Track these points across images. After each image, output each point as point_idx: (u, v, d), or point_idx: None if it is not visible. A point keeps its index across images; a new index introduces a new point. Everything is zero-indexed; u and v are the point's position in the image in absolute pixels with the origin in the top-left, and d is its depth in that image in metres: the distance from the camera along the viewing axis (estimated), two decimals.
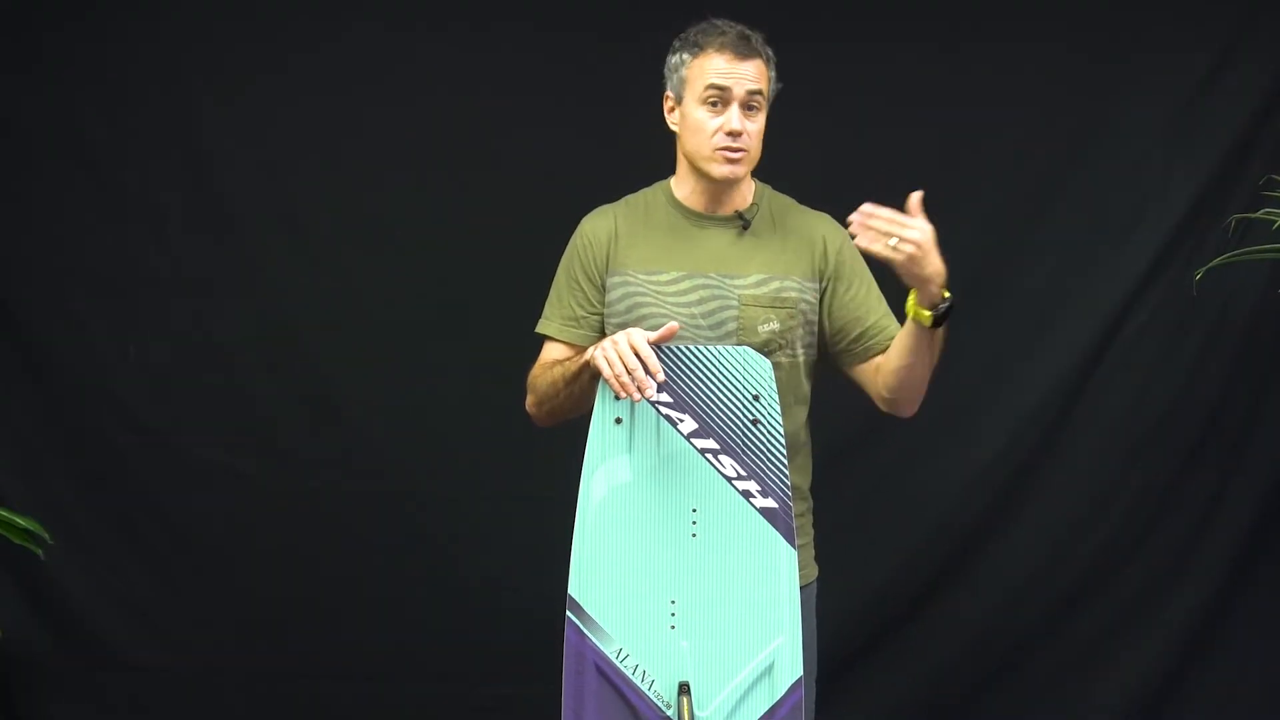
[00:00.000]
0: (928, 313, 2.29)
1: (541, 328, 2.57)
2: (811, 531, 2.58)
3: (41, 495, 3.68)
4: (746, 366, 2.31)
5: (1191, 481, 3.65)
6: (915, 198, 2.20)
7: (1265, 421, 3.62)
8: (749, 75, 2.39)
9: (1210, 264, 3.32)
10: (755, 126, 2.41)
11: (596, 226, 2.55)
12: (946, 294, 2.27)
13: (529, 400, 2.54)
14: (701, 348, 2.31)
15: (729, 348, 2.33)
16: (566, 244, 2.66)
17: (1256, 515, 3.63)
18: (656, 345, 2.26)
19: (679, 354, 2.30)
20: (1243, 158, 3.57)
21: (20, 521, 3.29)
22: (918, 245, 2.20)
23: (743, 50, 2.39)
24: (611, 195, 2.64)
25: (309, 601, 3.73)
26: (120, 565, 3.75)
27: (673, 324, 2.28)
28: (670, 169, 2.55)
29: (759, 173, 2.52)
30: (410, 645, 3.72)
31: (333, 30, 3.65)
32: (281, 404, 3.73)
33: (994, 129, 3.61)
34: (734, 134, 2.39)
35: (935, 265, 2.24)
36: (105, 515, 3.74)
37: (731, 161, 2.41)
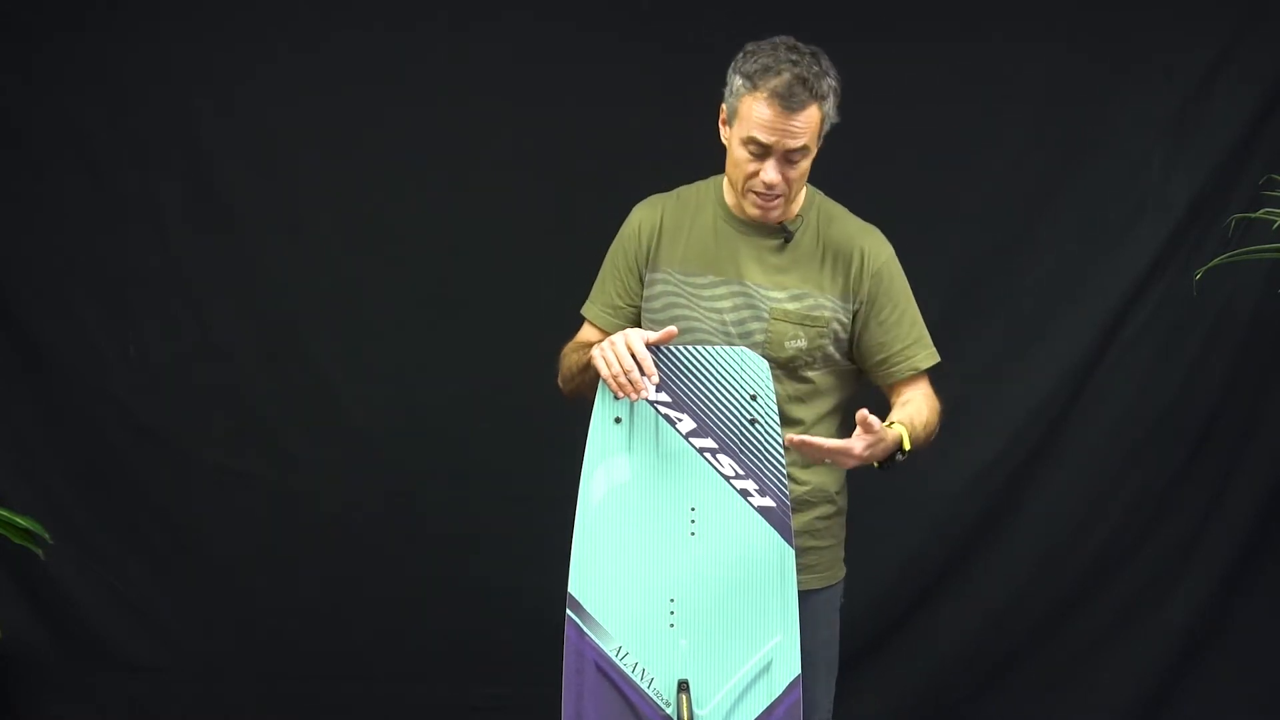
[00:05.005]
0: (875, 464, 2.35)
1: (585, 309, 2.60)
2: (841, 534, 2.59)
3: (41, 495, 3.69)
4: (744, 366, 2.31)
5: (1191, 481, 3.65)
6: (861, 416, 2.21)
7: (1265, 421, 3.61)
8: (795, 130, 2.33)
9: (1210, 264, 3.32)
10: (796, 172, 2.38)
11: (642, 218, 2.55)
12: (906, 447, 2.32)
13: (558, 375, 2.57)
14: (700, 348, 2.32)
15: (727, 348, 2.34)
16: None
17: (1256, 515, 3.63)
18: (655, 346, 2.28)
19: (678, 354, 2.31)
20: (1243, 158, 3.57)
21: (20, 521, 3.29)
22: (858, 459, 2.25)
23: (793, 103, 2.31)
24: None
25: (309, 601, 3.73)
26: (120, 565, 3.75)
27: (671, 328, 2.31)
28: (687, 178, 2.55)
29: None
30: (410, 645, 3.73)
31: (332, 29, 3.65)
32: (281, 404, 3.73)
33: (994, 129, 3.61)
34: (769, 186, 2.37)
35: (878, 456, 2.28)
36: (105, 515, 3.75)
37: (762, 209, 2.40)
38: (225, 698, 3.76)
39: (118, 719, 3.76)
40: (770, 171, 2.35)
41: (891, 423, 2.33)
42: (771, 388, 2.31)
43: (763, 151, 2.35)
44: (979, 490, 3.68)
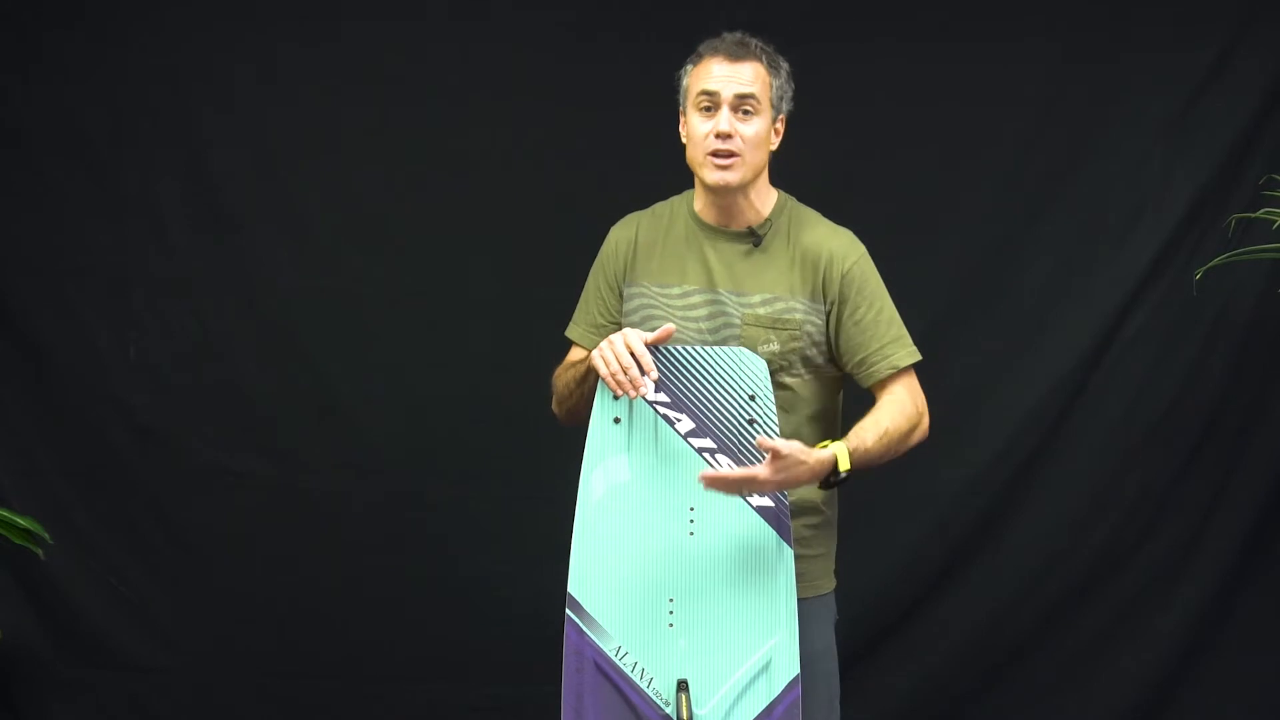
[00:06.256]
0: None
1: (569, 331, 2.62)
2: (830, 544, 2.57)
3: (41, 495, 3.69)
4: (742, 367, 2.32)
5: (1191, 481, 3.64)
6: (759, 443, 2.22)
7: (1265, 421, 3.61)
8: (740, 78, 2.39)
9: (1210, 264, 3.32)
10: (751, 130, 2.40)
11: (619, 236, 2.58)
12: (844, 470, 2.30)
13: (552, 400, 2.58)
14: (698, 348, 2.33)
15: (725, 348, 2.34)
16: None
17: (1256, 515, 3.62)
18: (654, 346, 2.30)
19: (676, 354, 2.32)
20: (1243, 158, 3.57)
21: (20, 521, 3.30)
22: (771, 485, 2.23)
23: (736, 53, 2.40)
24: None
25: (309, 601, 3.73)
26: (120, 565, 3.75)
27: (669, 325, 2.32)
28: (683, 179, 2.55)
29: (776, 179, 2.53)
30: (410, 645, 3.73)
31: (333, 29, 3.66)
32: (281, 404, 3.73)
33: (994, 129, 3.61)
34: (722, 136, 2.38)
35: (803, 479, 2.27)
36: (105, 515, 3.74)
37: (721, 167, 2.40)
38: (225, 698, 3.76)
39: (118, 719, 3.76)
40: (723, 121, 2.38)
41: (825, 444, 2.32)
42: (770, 388, 2.32)
43: (713, 102, 2.39)
44: (979, 490, 3.68)
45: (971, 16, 3.60)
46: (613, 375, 2.28)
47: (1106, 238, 3.63)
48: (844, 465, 2.29)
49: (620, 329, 2.52)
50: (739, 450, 2.30)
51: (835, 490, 2.54)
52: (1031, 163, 3.62)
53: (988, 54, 3.60)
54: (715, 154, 2.39)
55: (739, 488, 2.25)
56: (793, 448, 2.22)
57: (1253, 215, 3.36)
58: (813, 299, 2.45)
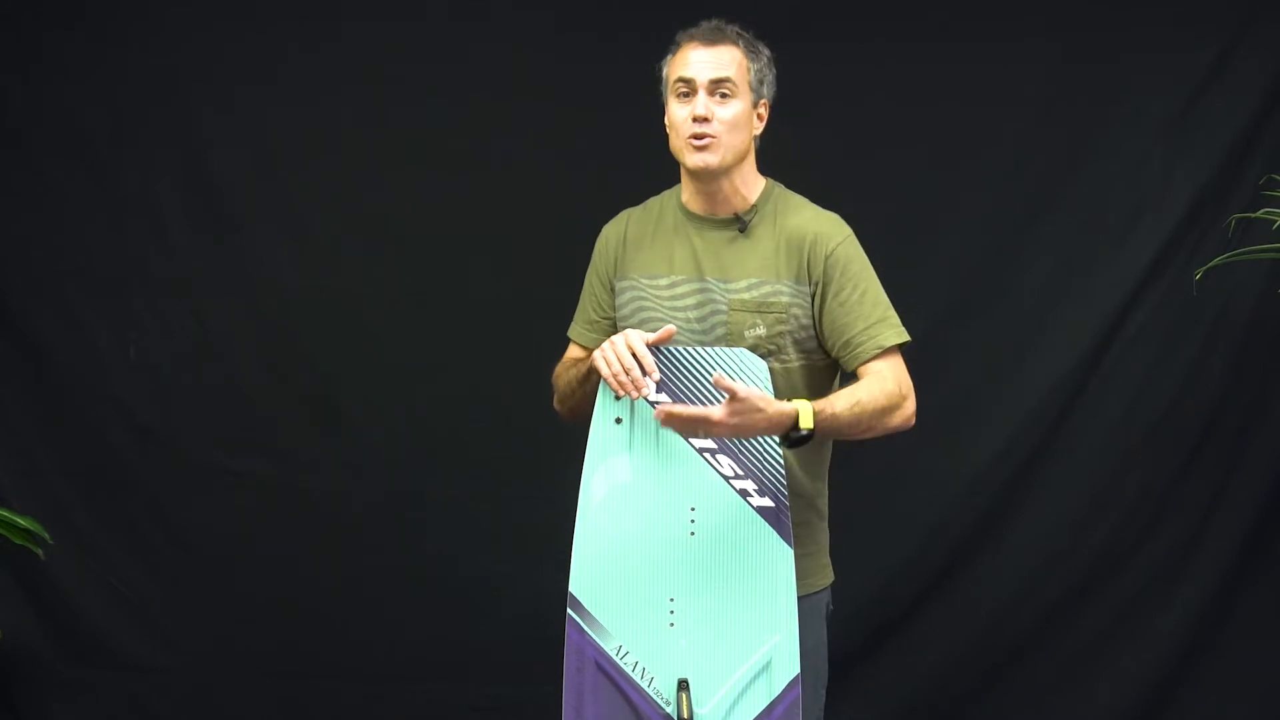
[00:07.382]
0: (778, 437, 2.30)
1: (570, 330, 2.63)
2: (823, 541, 2.55)
3: (41, 495, 3.69)
4: (742, 367, 2.32)
5: (1191, 481, 3.64)
6: (715, 379, 2.20)
7: (1265, 421, 3.61)
8: (716, 62, 2.40)
9: (1210, 264, 3.32)
10: (728, 113, 2.40)
11: (610, 233, 2.59)
12: (805, 427, 2.25)
13: (554, 398, 2.58)
14: (699, 349, 2.33)
15: (726, 349, 2.34)
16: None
17: (1256, 515, 3.62)
18: (656, 346, 2.30)
19: (677, 355, 2.32)
20: (1243, 158, 3.57)
21: (20, 521, 3.30)
22: (725, 428, 2.21)
23: (711, 38, 2.42)
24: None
25: (309, 601, 3.73)
26: (120, 565, 3.75)
27: (670, 326, 2.32)
28: (676, 174, 2.56)
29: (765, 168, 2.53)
30: (410, 645, 3.73)
31: (333, 29, 3.66)
32: (281, 404, 3.74)
33: (994, 129, 3.61)
34: (699, 119, 2.39)
35: (759, 428, 2.23)
36: (105, 515, 3.75)
37: (700, 149, 2.40)
38: (225, 698, 3.76)
39: (118, 719, 3.76)
40: (699, 105, 2.39)
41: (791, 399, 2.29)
42: (770, 388, 2.32)
43: (690, 88, 2.40)
44: (979, 491, 3.68)
45: (971, 16, 3.60)
46: (614, 376, 2.29)
47: (1106, 238, 3.63)
48: (805, 423, 2.25)
49: (614, 324, 2.54)
50: (739, 450, 2.30)
51: (825, 487, 2.53)
52: (1031, 163, 3.62)
53: (988, 54, 3.60)
54: (694, 137, 2.40)
55: (694, 427, 2.22)
56: (751, 393, 2.20)
57: (1253, 215, 3.36)
58: (797, 281, 2.44)
